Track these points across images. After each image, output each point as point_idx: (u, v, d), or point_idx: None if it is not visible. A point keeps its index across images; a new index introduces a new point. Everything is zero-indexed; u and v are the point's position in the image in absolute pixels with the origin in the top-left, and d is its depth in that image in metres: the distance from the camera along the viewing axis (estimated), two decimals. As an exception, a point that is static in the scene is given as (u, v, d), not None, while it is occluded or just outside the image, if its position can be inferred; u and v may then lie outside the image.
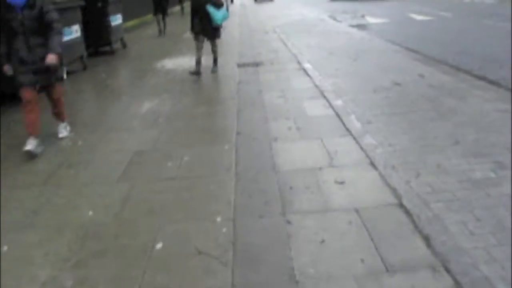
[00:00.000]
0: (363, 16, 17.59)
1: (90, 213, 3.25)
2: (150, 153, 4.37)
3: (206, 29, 7.70)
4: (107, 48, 11.31)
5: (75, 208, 3.34)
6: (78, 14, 9.18)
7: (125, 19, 14.39)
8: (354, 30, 13.68)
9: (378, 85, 6.57)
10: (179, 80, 7.77)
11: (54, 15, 4.46)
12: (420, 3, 22.37)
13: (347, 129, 4.68)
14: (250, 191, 3.40)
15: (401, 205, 3.05)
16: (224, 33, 14.87)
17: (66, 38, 8.13)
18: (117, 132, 5.13)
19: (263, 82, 7.15)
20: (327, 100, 5.81)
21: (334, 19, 17.47)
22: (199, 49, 7.88)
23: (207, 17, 7.51)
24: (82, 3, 9.35)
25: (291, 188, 3.41)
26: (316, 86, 6.61)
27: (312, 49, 10.16)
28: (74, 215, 3.23)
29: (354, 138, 4.40)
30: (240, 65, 8.74)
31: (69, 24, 8.66)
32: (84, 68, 9.39)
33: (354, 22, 15.74)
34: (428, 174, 3.64)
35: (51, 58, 4.35)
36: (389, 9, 20.63)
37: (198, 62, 7.95)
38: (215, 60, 8.33)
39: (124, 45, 12.35)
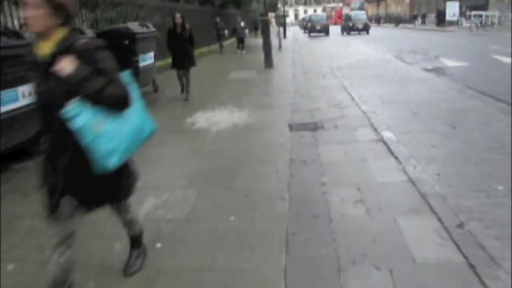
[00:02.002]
0: (437, 58, 15.06)
1: None
2: None
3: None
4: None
5: None
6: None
7: (161, 57, 12.68)
8: (432, 76, 11.22)
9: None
10: (210, 152, 5.63)
11: None
12: (493, 41, 19.53)
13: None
14: None
15: None
16: (276, 73, 12.97)
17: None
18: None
19: (327, 166, 4.86)
20: (441, 222, 3.41)
21: (403, 60, 15.06)
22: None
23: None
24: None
25: None
26: (413, 182, 4.22)
27: (387, 105, 7.80)
28: None
29: None
30: (293, 127, 6.50)
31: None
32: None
33: (429, 65, 13.27)
34: None
35: None
36: (463, 48, 17.98)
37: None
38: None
39: (156, 89, 10.50)
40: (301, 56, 18.61)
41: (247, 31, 20.73)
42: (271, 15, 35.36)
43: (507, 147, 5.14)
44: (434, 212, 3.59)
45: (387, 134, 5.81)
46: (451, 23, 44.37)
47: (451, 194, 3.99)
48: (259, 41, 19.02)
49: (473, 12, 38.47)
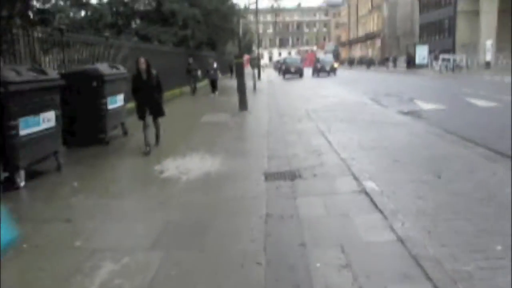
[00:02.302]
0: (411, 100, 15.08)
1: None
2: None
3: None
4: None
5: None
6: (54, 97, 6.80)
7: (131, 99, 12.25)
8: (409, 119, 11.08)
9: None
10: (178, 205, 5.12)
11: None
12: (464, 83, 19.89)
13: None
14: None
15: None
16: (250, 117, 12.63)
17: (30, 130, 5.80)
18: None
19: (306, 222, 4.42)
20: (441, 294, 2.96)
21: (379, 103, 15.00)
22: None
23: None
24: (62, 82, 7.02)
25: None
26: (402, 242, 3.80)
27: (367, 151, 7.48)
28: None
29: None
30: (268, 177, 6.06)
31: (37, 111, 6.27)
32: (58, 168, 6.90)
33: (404, 108, 13.18)
34: None
35: None
36: (436, 91, 18.19)
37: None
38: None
39: (125, 132, 9.97)
40: (276, 98, 18.47)
41: (219, 72, 19.99)
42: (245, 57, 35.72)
43: (496, 199, 4.81)
44: (429, 279, 3.16)
45: (369, 184, 5.42)
46: (421, 66, 45.71)
47: (446, 255, 3.57)
48: (234, 82, 18.77)
49: (441, 56, 39.74)
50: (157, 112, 8.13)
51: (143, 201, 5.36)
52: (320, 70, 38.73)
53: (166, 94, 16.28)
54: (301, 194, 5.27)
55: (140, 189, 5.90)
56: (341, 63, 65.51)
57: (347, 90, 21.15)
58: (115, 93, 9.30)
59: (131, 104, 12.47)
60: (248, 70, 37.78)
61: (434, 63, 42.33)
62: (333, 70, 38.77)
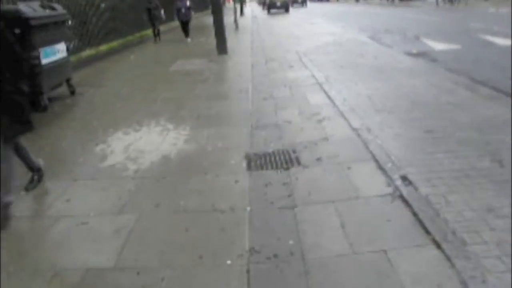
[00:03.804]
0: (417, 38, 12.98)
1: None
2: None
3: None
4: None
5: None
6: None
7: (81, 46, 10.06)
8: (422, 63, 9.12)
9: None
10: (117, 231, 3.24)
11: None
12: (470, 18, 17.70)
13: None
14: None
15: None
16: (230, 62, 10.48)
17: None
18: None
19: (316, 266, 2.56)
20: None
21: (380, 42, 12.88)
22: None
23: None
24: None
25: None
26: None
27: (385, 115, 5.57)
28: None
29: None
30: (252, 164, 4.18)
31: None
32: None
33: (411, 48, 11.15)
34: None
35: None
36: (441, 26, 16.02)
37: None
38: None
39: (72, 91, 7.85)
40: (261, 37, 16.18)
41: (192, 11, 15.30)
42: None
43: None
44: None
45: (404, 185, 3.54)
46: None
47: None
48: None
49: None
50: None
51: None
52: (270, 6, 33.90)
53: (119, 43, 13.92)
54: (302, 201, 3.42)
55: (71, 188, 3.96)
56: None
57: (340, 26, 18.82)
58: (52, 42, 7.11)
59: (73, 57, 10.26)
60: (230, 5, 34.75)
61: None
62: (284, 6, 33.56)
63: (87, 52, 11.36)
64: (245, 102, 6.56)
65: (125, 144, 5.03)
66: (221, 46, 11.64)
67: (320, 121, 5.40)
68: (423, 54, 10.18)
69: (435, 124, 5.07)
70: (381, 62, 9.41)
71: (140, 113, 6.28)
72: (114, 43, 13.57)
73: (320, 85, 7.35)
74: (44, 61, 6.86)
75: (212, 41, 12.09)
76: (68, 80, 7.85)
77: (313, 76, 8.14)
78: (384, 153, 4.24)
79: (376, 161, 4.05)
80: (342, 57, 10.39)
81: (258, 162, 4.30)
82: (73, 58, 10.09)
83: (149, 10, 15.10)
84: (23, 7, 6.60)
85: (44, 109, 6.86)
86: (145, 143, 5.02)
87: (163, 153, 4.67)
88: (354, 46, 12.25)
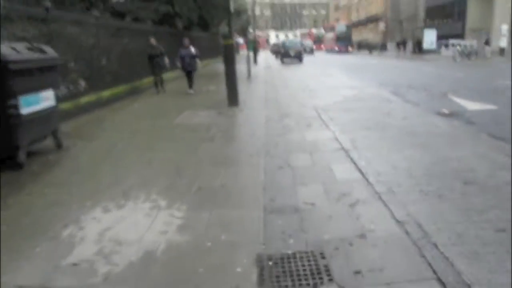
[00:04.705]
0: (445, 96, 11.96)
1: None
2: None
3: None
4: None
5: None
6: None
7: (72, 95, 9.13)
8: (459, 127, 7.99)
9: None
10: None
11: None
12: (495, 73, 16.72)
13: None
14: None
15: None
16: (241, 116, 9.41)
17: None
18: None
19: None
20: None
21: (405, 99, 11.84)
22: None
23: None
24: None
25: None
26: None
27: (434, 201, 4.40)
28: None
29: None
30: (265, 274, 3.02)
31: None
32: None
33: (441, 107, 10.08)
34: None
35: None
36: (467, 82, 15.03)
37: None
38: None
39: (58, 144, 6.81)
40: (275, 88, 15.28)
41: (198, 61, 13.48)
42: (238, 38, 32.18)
43: None
44: None
45: None
46: (428, 51, 42.55)
47: None
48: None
49: (451, 41, 36.62)
50: None
51: None
52: (284, 55, 33.76)
53: (124, 88, 13.03)
54: None
55: None
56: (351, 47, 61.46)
57: (358, 80, 17.94)
58: (36, 88, 6.16)
59: (70, 103, 9.33)
60: (244, 52, 34.41)
61: (443, 48, 39.23)
62: (298, 56, 33.38)
63: (86, 98, 10.42)
64: (257, 171, 5.42)
65: (101, 228, 3.86)
66: (232, 98, 10.68)
67: (352, 205, 4.22)
68: (456, 115, 9.09)
69: (505, 218, 3.85)
70: (412, 123, 8.31)
71: (130, 180, 5.15)
72: (119, 89, 12.68)
73: (346, 151, 6.22)
74: (25, 110, 5.86)
75: (223, 90, 11.14)
76: (54, 132, 6.81)
77: (336, 139, 7.02)
78: (449, 267, 3.01)
79: (443, 284, 2.81)
80: (366, 115, 9.32)
81: (273, 272, 3.10)
82: (69, 105, 9.20)
83: (151, 58, 13.31)
84: (3, 48, 5.66)
85: (20, 167, 5.88)
86: (126, 228, 3.85)
87: (147, 247, 3.49)
88: (377, 102, 11.21)
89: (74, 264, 3.28)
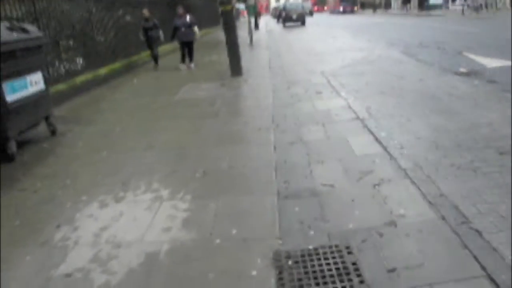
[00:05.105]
0: (459, 53, 11.26)
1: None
2: None
3: None
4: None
5: None
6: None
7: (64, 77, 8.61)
8: (479, 86, 7.37)
9: None
10: None
11: None
12: (506, 27, 15.87)
13: None
14: None
15: None
16: (246, 87, 8.86)
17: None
18: None
19: None
20: None
21: (417, 59, 11.17)
22: None
23: None
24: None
25: None
26: None
27: (465, 172, 3.87)
28: None
29: None
30: (285, 277, 2.59)
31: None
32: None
33: (458, 66, 9.43)
34: None
35: None
36: (483, 38, 14.23)
37: None
38: None
39: (52, 131, 6.36)
40: (279, 54, 14.63)
41: (196, 29, 11.96)
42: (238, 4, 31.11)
43: None
44: None
45: None
46: (434, 6, 41.20)
47: None
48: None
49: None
50: None
51: None
52: (286, 19, 33.28)
53: (122, 64, 12.44)
54: None
55: None
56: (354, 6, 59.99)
57: (365, 41, 17.18)
58: (21, 72, 5.64)
59: (65, 84, 8.82)
60: (244, 18, 33.43)
61: (450, 3, 37.94)
62: (300, 18, 32.96)
63: (82, 77, 9.89)
64: (267, 149, 4.95)
65: (98, 227, 3.44)
66: (235, 67, 10.12)
67: (376, 186, 3.76)
68: (475, 74, 8.48)
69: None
70: (430, 86, 7.73)
71: (129, 167, 4.71)
72: (116, 65, 12.09)
73: (362, 121, 5.71)
74: (10, 97, 5.39)
75: (225, 59, 10.56)
76: (47, 118, 6.35)
77: (350, 107, 6.51)
78: (500, 262, 2.56)
79: (495, 284, 2.36)
80: (379, 79, 8.74)
81: (294, 273, 2.67)
82: (63, 86, 8.69)
83: (145, 31, 12.43)
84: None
85: (11, 159, 5.45)
86: (125, 226, 3.43)
87: (148, 249, 3.07)
88: (388, 64, 10.59)
89: (67, 275, 2.87)
